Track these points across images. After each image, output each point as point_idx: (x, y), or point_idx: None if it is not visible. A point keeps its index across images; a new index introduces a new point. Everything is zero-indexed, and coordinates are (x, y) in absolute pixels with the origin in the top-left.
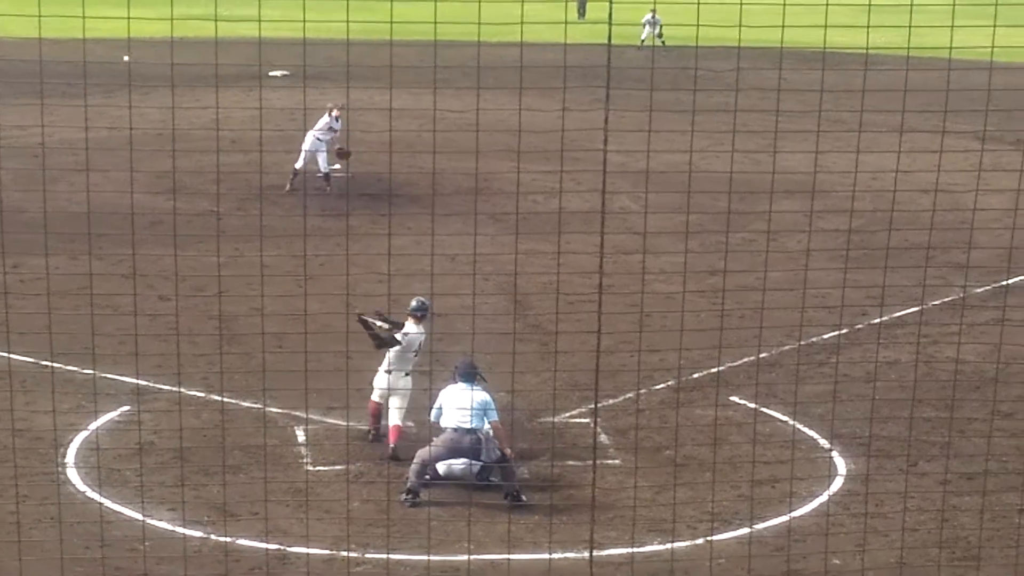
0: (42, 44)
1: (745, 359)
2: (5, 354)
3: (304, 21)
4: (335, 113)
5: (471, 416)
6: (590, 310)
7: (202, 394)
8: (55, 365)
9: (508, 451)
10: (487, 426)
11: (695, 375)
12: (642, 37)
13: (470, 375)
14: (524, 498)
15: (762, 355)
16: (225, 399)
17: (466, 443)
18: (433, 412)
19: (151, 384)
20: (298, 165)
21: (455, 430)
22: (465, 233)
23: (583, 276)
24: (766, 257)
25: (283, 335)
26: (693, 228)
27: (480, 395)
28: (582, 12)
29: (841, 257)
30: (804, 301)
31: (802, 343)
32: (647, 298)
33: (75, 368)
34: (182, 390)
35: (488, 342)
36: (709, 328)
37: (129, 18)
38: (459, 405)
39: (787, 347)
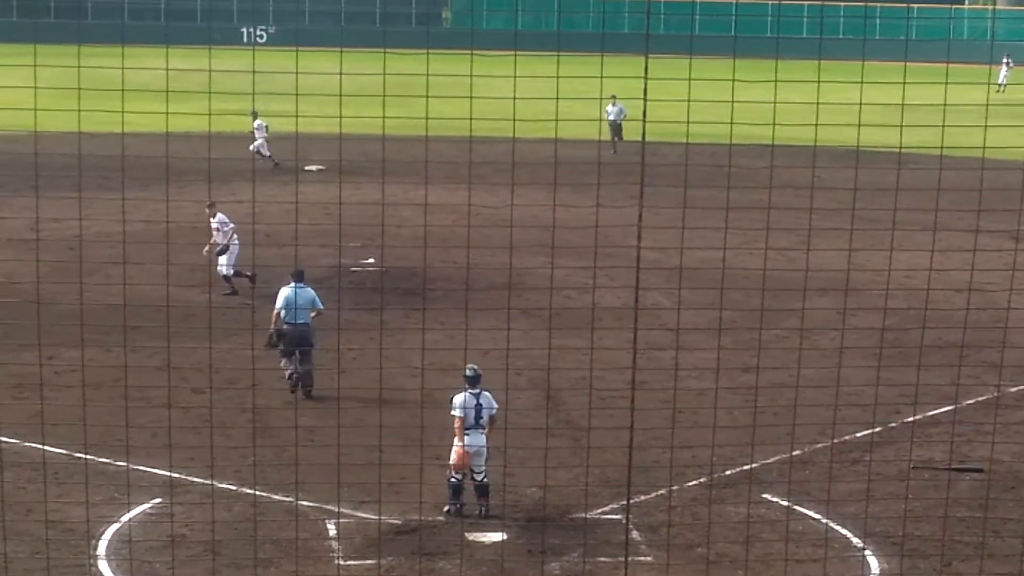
0: (81, 138)
1: (778, 456)
2: (39, 446)
3: (340, 117)
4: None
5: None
6: (622, 406)
7: (234, 487)
8: (88, 457)
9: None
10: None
11: (727, 472)
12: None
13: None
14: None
15: (795, 452)
16: (257, 492)
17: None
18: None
19: (183, 476)
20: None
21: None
22: (498, 328)
23: (615, 372)
24: (799, 354)
25: (316, 428)
26: (726, 325)
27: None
28: (615, 148)
29: (874, 355)
30: (837, 399)
31: (835, 441)
32: (679, 394)
33: (108, 460)
34: (214, 483)
35: (520, 437)
36: (742, 425)
37: (168, 113)
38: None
39: (820, 445)
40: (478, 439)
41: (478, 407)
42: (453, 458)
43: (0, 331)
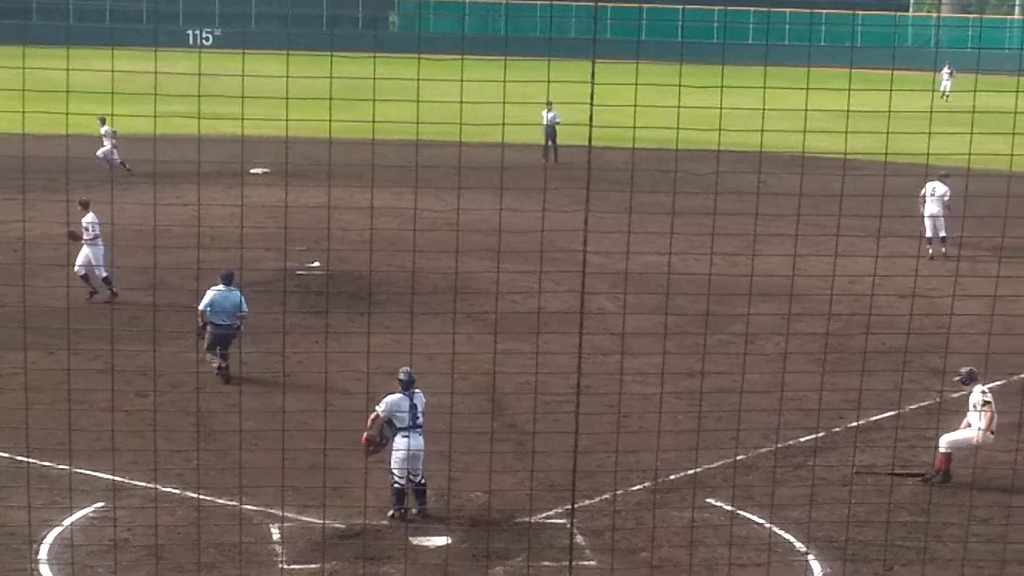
0: (25, 139)
1: (722, 461)
2: None
3: (287, 120)
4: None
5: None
6: (568, 410)
7: (177, 491)
8: (30, 460)
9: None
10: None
11: (672, 476)
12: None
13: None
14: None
15: (739, 457)
16: (201, 496)
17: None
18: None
19: (126, 480)
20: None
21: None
22: (443, 332)
23: (561, 377)
24: (744, 359)
25: (260, 432)
26: (671, 330)
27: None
28: (548, 155)
29: (818, 360)
30: (781, 404)
31: (779, 446)
32: (624, 399)
33: (50, 463)
34: (158, 487)
35: (465, 441)
36: (686, 430)
37: (113, 115)
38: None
39: (764, 449)
40: (417, 441)
41: (413, 408)
42: (361, 439)
43: None
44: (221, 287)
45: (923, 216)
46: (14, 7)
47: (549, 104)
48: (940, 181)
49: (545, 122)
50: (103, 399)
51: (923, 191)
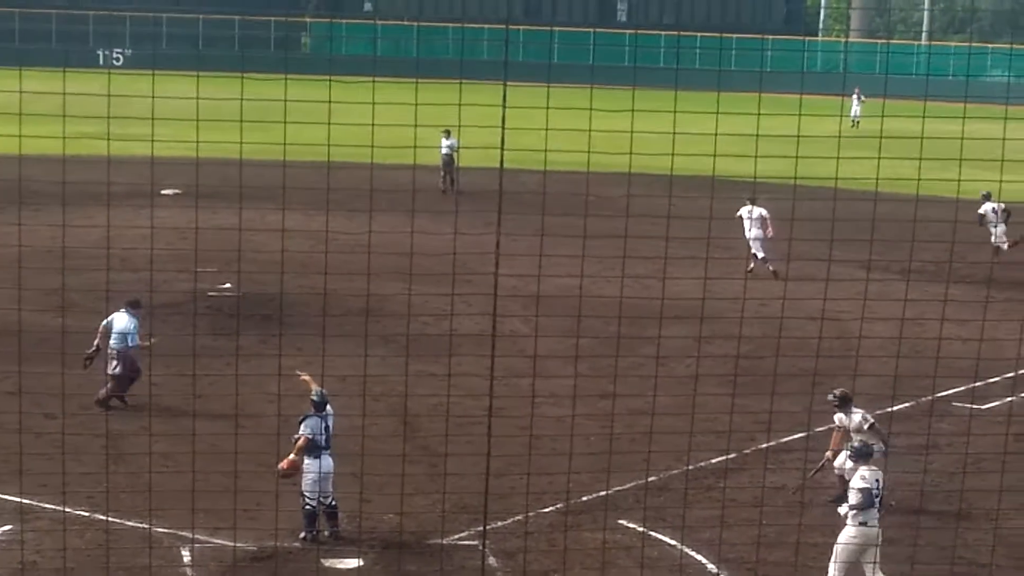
0: None
1: (633, 483)
2: None
3: (197, 141)
4: None
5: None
6: (480, 432)
7: (87, 513)
8: None
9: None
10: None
11: (584, 498)
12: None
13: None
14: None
15: (650, 479)
16: (110, 519)
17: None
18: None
19: (35, 503)
20: None
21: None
22: (355, 355)
23: (473, 398)
24: (655, 382)
25: (171, 454)
26: (583, 352)
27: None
28: (445, 184)
29: (729, 382)
30: (692, 425)
31: (690, 467)
32: (537, 421)
33: None
34: (67, 509)
35: (377, 463)
36: (598, 452)
37: (21, 136)
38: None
39: (675, 471)
40: (327, 462)
41: (327, 429)
42: (283, 464)
43: None
44: (123, 310)
45: (748, 239)
46: None
47: (447, 132)
48: (753, 204)
49: (443, 150)
50: (11, 421)
51: (739, 213)
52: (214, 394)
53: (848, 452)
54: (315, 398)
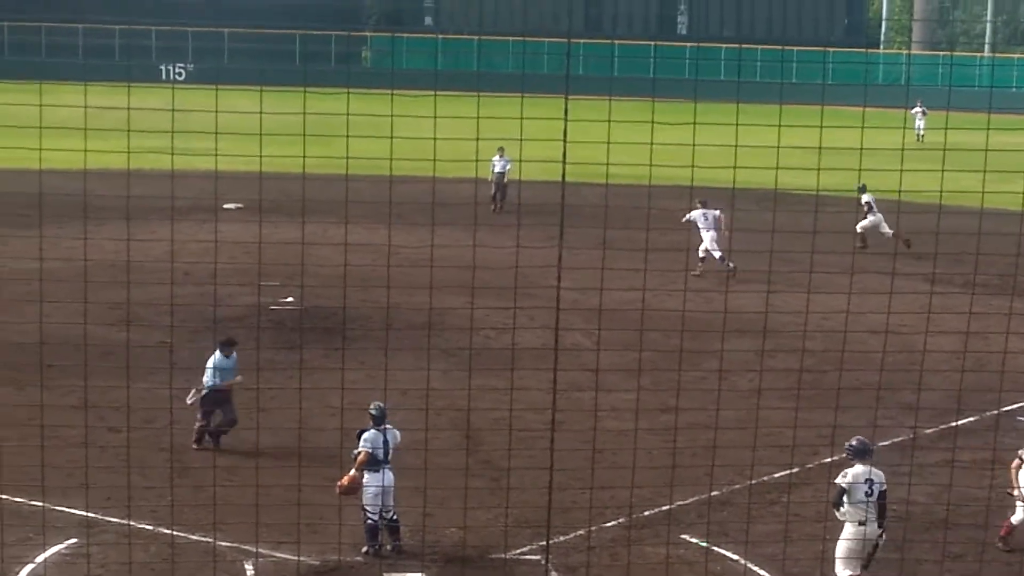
0: None
1: (696, 497)
2: None
3: (260, 156)
4: None
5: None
6: (542, 446)
7: (151, 527)
8: (2, 497)
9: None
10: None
11: (646, 512)
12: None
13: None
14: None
15: (713, 493)
16: (174, 532)
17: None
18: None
19: (100, 516)
20: None
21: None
22: (417, 368)
23: (535, 412)
24: (718, 395)
25: (234, 468)
26: (645, 365)
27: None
28: (496, 204)
29: (792, 396)
30: (756, 440)
31: (753, 482)
32: (599, 435)
33: (22, 499)
34: (131, 523)
35: (440, 477)
36: (661, 466)
37: (86, 150)
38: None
39: (738, 485)
40: (388, 476)
41: (386, 443)
42: (343, 480)
43: None
44: (218, 356)
45: (704, 241)
46: None
47: (500, 150)
48: (705, 207)
49: (496, 169)
50: (76, 435)
51: (690, 217)
52: (277, 407)
53: (845, 448)
54: (374, 412)
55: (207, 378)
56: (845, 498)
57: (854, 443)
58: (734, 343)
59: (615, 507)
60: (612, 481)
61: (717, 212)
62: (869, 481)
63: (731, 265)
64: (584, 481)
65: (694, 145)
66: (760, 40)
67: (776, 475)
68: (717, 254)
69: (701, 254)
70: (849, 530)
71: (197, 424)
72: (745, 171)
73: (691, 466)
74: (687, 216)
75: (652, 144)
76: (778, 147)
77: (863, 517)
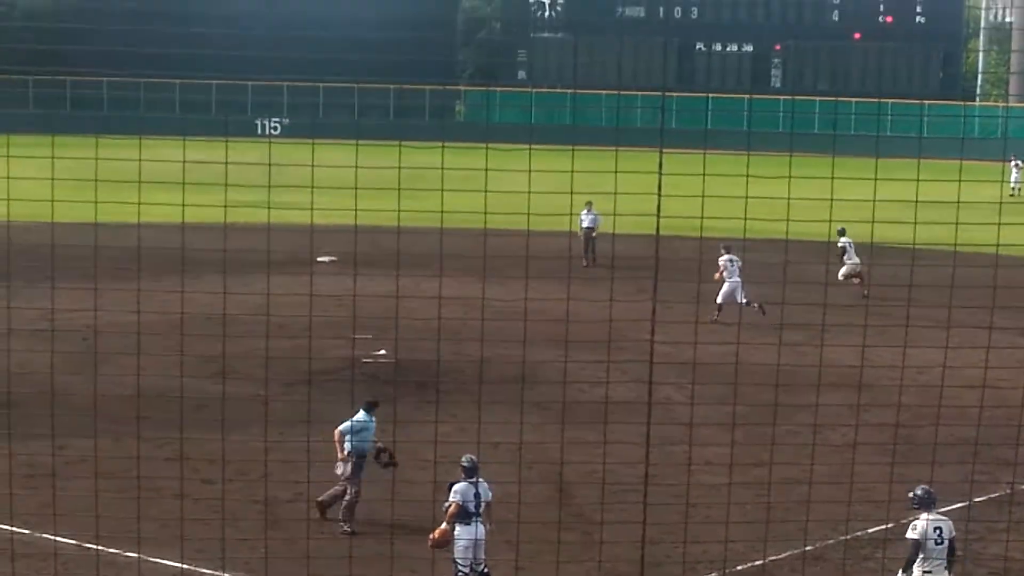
0: (97, 228)
1: (789, 552)
2: (49, 536)
3: (356, 209)
4: None
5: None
6: (634, 500)
7: None
8: (98, 548)
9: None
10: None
11: (739, 567)
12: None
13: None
14: None
15: (807, 548)
16: None
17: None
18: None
19: (193, 568)
20: None
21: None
22: (509, 421)
23: (627, 465)
24: (813, 450)
25: (327, 521)
26: (738, 419)
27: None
28: (587, 259)
29: (887, 451)
30: (851, 495)
31: (847, 537)
32: (691, 489)
33: (117, 551)
34: (226, 575)
35: (532, 530)
36: (753, 520)
37: (184, 205)
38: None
39: (831, 540)
40: (479, 529)
41: (477, 496)
42: (435, 534)
43: (12, 420)
44: (361, 415)
45: (725, 285)
46: (87, 98)
47: (589, 204)
48: (729, 253)
49: (585, 224)
50: (170, 486)
51: (721, 262)
52: (369, 461)
53: (910, 498)
54: (466, 464)
55: (356, 443)
56: (909, 551)
57: (919, 492)
58: (827, 397)
59: (707, 561)
60: (705, 535)
61: (736, 257)
62: (938, 529)
63: (756, 306)
64: (677, 535)
65: (789, 199)
66: (854, 93)
67: (870, 530)
68: (743, 300)
69: (720, 300)
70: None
71: (348, 498)
72: (839, 225)
73: (784, 521)
74: (720, 263)
75: (747, 198)
76: (874, 200)
77: (930, 566)
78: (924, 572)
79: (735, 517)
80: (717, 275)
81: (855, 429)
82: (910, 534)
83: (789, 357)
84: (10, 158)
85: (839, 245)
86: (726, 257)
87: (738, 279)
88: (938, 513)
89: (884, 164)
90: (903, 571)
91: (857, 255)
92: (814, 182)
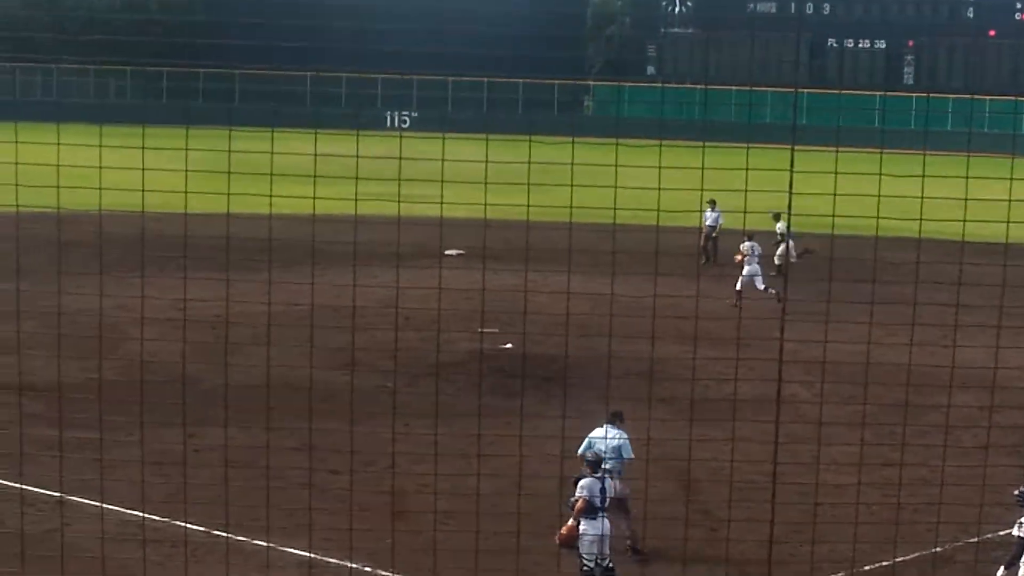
0: (229, 220)
1: (917, 553)
2: (180, 523)
3: (485, 204)
4: None
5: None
6: (761, 498)
7: (369, 569)
8: (227, 535)
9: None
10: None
11: (866, 567)
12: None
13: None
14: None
15: (936, 550)
16: (393, 575)
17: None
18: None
19: (320, 557)
20: None
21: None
22: (636, 418)
23: (752, 463)
24: (944, 451)
25: (452, 512)
26: (867, 419)
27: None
28: (707, 256)
29: (1019, 453)
30: (983, 497)
31: (978, 540)
32: (819, 488)
33: (245, 538)
34: (351, 564)
35: (657, 527)
36: (881, 521)
37: (315, 197)
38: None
39: (961, 543)
40: (605, 524)
41: (603, 491)
42: (563, 531)
43: (143, 409)
44: (604, 426)
45: (745, 271)
46: (221, 91)
47: (712, 203)
48: (753, 240)
49: (708, 222)
50: (297, 475)
51: (743, 248)
52: (495, 454)
53: (1016, 496)
54: (590, 458)
55: (612, 462)
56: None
57: (1019, 492)
58: (958, 398)
59: (834, 561)
60: (832, 535)
61: (756, 245)
62: None
63: (772, 291)
64: (803, 534)
65: (923, 197)
66: (989, 90)
67: (1001, 532)
68: (761, 286)
69: (739, 286)
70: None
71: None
72: (973, 224)
73: (912, 522)
74: (744, 249)
75: (879, 196)
76: (1010, 200)
77: None
78: None
79: (863, 517)
80: (739, 258)
81: (987, 431)
82: (1016, 531)
83: (918, 356)
84: (144, 149)
85: (778, 231)
86: (748, 244)
87: (757, 266)
88: None
89: (1020, 163)
90: (1005, 567)
91: (793, 243)
92: (947, 181)
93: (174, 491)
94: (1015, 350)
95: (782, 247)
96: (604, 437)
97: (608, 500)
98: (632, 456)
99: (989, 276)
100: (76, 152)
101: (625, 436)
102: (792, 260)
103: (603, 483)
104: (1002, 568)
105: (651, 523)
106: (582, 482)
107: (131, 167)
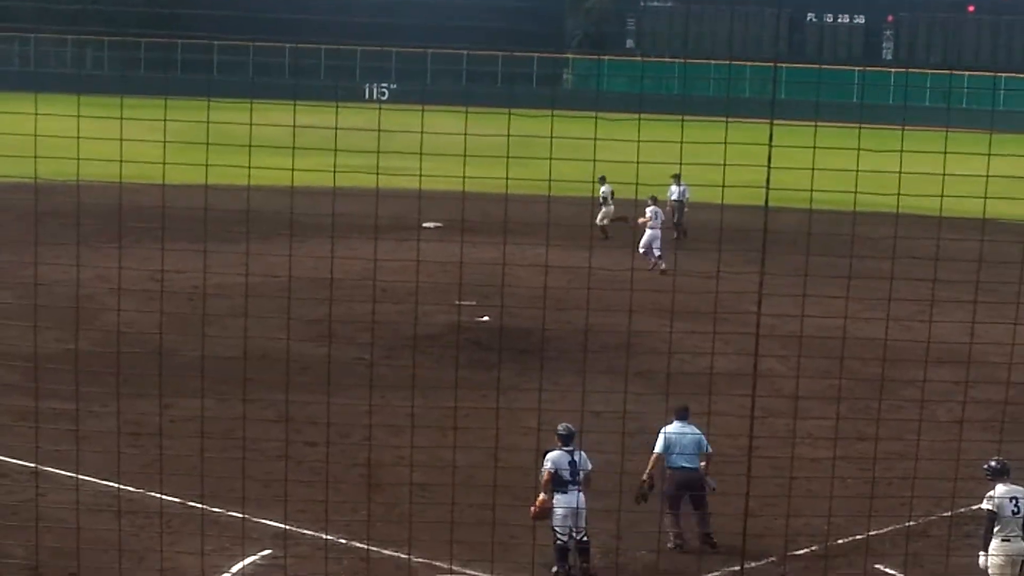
0: (207, 191)
1: (891, 527)
2: (155, 494)
3: (464, 177)
4: None
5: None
6: (736, 472)
7: (344, 541)
8: (202, 506)
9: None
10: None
11: (840, 541)
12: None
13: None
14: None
15: (910, 523)
16: (368, 547)
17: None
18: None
19: (295, 528)
20: None
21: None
22: (611, 390)
23: (729, 437)
24: (919, 426)
25: (427, 485)
26: (842, 393)
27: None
28: (678, 232)
29: (994, 428)
30: (957, 471)
31: (951, 513)
32: (794, 462)
33: (220, 509)
34: (326, 536)
35: (633, 500)
36: (856, 495)
37: (293, 169)
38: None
39: (935, 516)
40: (574, 498)
41: (572, 464)
42: (535, 505)
43: (119, 380)
44: (675, 423)
45: (647, 233)
46: (198, 61)
47: (676, 177)
48: (656, 205)
49: (673, 196)
50: (273, 448)
51: (649, 212)
52: (470, 426)
53: (984, 469)
54: (562, 431)
55: (684, 460)
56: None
57: (993, 463)
58: (934, 372)
59: (808, 535)
60: (807, 509)
61: (659, 211)
62: (1014, 499)
63: (663, 266)
64: (779, 508)
65: (900, 172)
66: (967, 66)
67: (974, 507)
68: (657, 252)
69: (642, 250)
70: (995, 545)
71: (673, 530)
72: (950, 199)
73: (887, 496)
74: (647, 212)
75: (857, 171)
76: (987, 176)
77: (1007, 534)
78: (1002, 540)
79: (837, 491)
80: (642, 220)
81: (962, 405)
82: (986, 504)
83: (893, 331)
84: (123, 119)
85: (601, 195)
86: (652, 208)
87: (658, 231)
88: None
89: (998, 139)
90: (983, 551)
91: (614, 204)
92: (925, 156)
93: (149, 462)
94: (991, 325)
95: (602, 210)
96: (680, 432)
97: (581, 474)
98: (711, 450)
99: (966, 251)
100: (53, 122)
101: (698, 431)
102: (598, 222)
103: (573, 456)
104: (982, 555)
105: (625, 495)
106: (549, 455)
107: (109, 137)
